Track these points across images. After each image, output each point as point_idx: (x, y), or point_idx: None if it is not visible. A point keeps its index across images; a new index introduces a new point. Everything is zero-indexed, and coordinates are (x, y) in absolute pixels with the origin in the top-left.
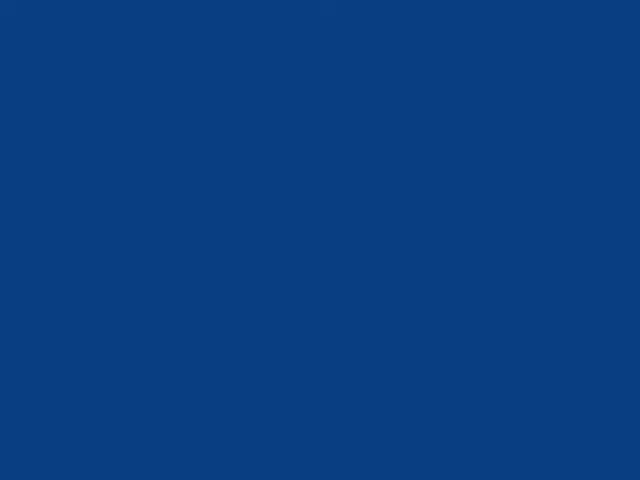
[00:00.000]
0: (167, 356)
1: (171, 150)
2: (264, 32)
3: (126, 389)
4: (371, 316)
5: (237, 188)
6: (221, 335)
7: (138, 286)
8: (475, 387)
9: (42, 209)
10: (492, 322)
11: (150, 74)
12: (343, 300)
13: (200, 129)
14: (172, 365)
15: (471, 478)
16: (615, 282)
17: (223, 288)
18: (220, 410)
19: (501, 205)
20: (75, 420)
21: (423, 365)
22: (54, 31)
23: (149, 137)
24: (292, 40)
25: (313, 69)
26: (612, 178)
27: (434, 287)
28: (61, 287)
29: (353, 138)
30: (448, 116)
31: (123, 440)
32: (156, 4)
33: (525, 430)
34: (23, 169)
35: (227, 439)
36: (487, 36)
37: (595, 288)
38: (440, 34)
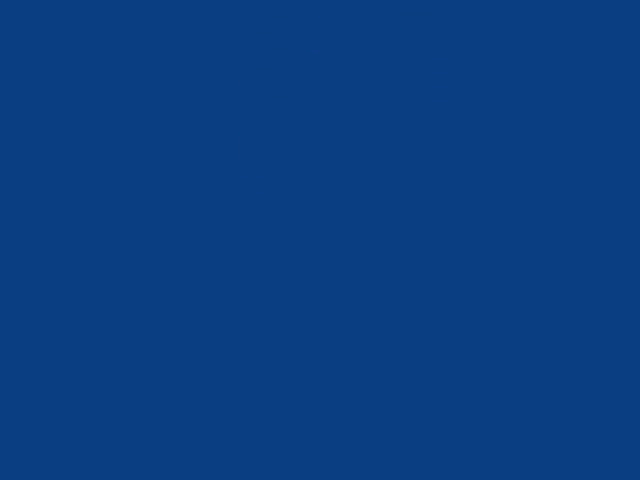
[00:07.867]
0: (167, 356)
1: (170, 150)
2: (263, 32)
3: (126, 389)
4: (371, 317)
5: (237, 188)
6: (221, 335)
7: (138, 286)
8: (475, 387)
9: (41, 209)
10: (492, 322)
11: (149, 74)
12: (343, 300)
13: (200, 129)
14: (172, 365)
15: (471, 478)
16: (615, 282)
17: (223, 288)
18: (220, 410)
19: (501, 205)
20: (75, 420)
21: (423, 366)
22: (53, 30)
23: (148, 137)
24: (291, 41)
25: (312, 69)
26: (612, 178)
27: (434, 288)
28: (61, 287)
29: (353, 139)
30: (448, 116)
31: (123, 440)
32: (156, 4)
33: (525, 430)
34: (23, 169)
35: (227, 439)
36: (487, 36)
37: (595, 288)
38: (440, 34)
